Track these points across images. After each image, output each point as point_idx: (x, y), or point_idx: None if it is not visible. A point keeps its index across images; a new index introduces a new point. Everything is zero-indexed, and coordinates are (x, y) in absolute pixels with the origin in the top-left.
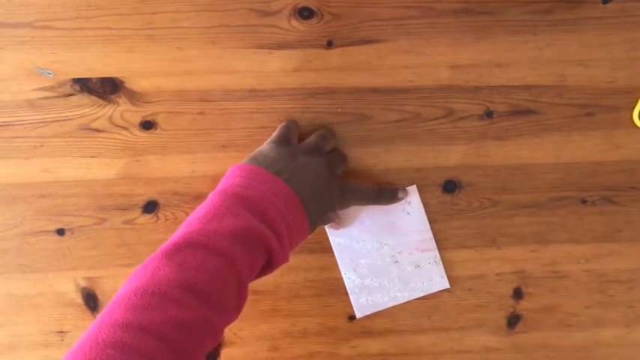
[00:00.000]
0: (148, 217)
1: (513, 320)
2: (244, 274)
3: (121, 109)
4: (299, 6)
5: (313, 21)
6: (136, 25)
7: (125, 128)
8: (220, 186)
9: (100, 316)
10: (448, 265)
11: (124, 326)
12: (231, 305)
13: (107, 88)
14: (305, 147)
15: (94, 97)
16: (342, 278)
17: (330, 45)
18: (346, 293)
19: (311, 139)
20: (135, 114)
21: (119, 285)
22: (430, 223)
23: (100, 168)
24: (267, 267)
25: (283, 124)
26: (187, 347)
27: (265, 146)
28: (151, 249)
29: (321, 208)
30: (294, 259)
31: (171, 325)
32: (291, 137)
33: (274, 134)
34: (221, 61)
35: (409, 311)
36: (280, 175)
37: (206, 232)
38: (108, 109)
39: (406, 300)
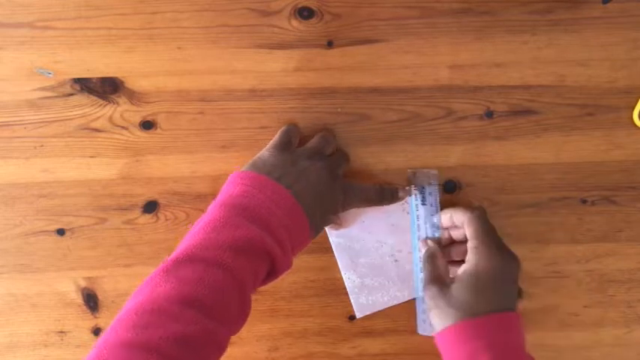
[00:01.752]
0: (148, 217)
1: None
2: (247, 283)
3: (121, 109)
4: (299, 6)
5: (313, 21)
6: (136, 25)
7: (125, 128)
8: (221, 196)
9: (103, 335)
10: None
11: (126, 345)
12: (235, 315)
13: (107, 88)
14: (306, 151)
15: (94, 97)
16: (341, 278)
17: (330, 45)
18: (346, 293)
19: (312, 142)
20: (135, 114)
21: (119, 285)
22: None
23: (100, 168)
24: (271, 274)
25: (283, 128)
26: None
27: (265, 152)
28: (151, 249)
29: (323, 213)
30: (295, 260)
31: (171, 341)
32: (292, 142)
33: (274, 139)
34: (221, 61)
35: (409, 311)
36: (281, 182)
37: (205, 244)
38: (108, 109)
39: (406, 299)
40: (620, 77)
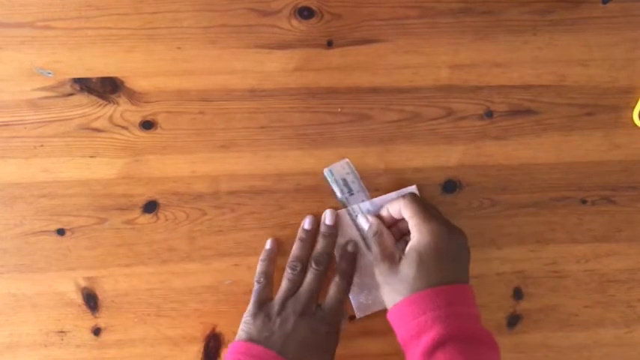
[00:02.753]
0: (148, 217)
1: (513, 320)
2: None
3: (121, 109)
4: (299, 6)
5: (313, 21)
6: (136, 25)
7: (125, 128)
8: None
9: None
10: None
11: None
12: None
13: (107, 88)
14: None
15: (94, 97)
16: None
17: (330, 45)
18: None
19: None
20: (135, 114)
21: (119, 285)
22: None
23: (100, 168)
24: None
25: (254, 287)
26: None
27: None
28: (150, 249)
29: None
30: None
31: None
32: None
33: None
34: (221, 61)
35: None
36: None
37: None
38: (108, 109)
39: None
40: (620, 77)
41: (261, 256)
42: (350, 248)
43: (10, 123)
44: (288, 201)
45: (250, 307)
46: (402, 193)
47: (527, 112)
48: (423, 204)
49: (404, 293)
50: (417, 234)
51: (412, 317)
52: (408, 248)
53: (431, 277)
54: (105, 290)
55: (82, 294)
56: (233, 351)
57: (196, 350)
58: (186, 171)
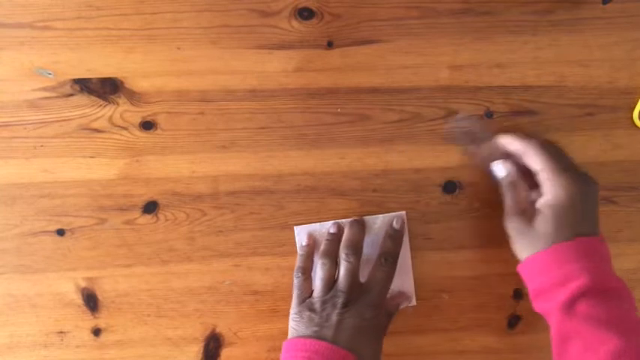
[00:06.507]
0: (148, 217)
1: (513, 320)
2: None
3: (121, 109)
4: (299, 6)
5: (313, 21)
6: (136, 25)
7: (125, 128)
8: None
9: None
10: (448, 266)
11: None
12: None
13: (107, 89)
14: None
15: (94, 98)
16: None
17: (330, 45)
18: None
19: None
20: (135, 114)
21: (119, 285)
22: (430, 223)
23: (100, 168)
24: None
25: (294, 282)
26: None
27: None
28: (150, 249)
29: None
30: (294, 260)
31: None
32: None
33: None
34: (221, 61)
35: (409, 311)
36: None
37: None
38: (108, 110)
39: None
40: (620, 77)
41: (299, 250)
42: (396, 225)
43: (10, 123)
44: (288, 201)
45: (294, 303)
46: (390, 217)
47: (527, 112)
48: (553, 153)
49: (540, 247)
50: (551, 190)
51: (557, 267)
52: (542, 204)
53: (566, 231)
54: (105, 291)
55: (82, 294)
56: (286, 349)
57: (196, 350)
58: (186, 171)
